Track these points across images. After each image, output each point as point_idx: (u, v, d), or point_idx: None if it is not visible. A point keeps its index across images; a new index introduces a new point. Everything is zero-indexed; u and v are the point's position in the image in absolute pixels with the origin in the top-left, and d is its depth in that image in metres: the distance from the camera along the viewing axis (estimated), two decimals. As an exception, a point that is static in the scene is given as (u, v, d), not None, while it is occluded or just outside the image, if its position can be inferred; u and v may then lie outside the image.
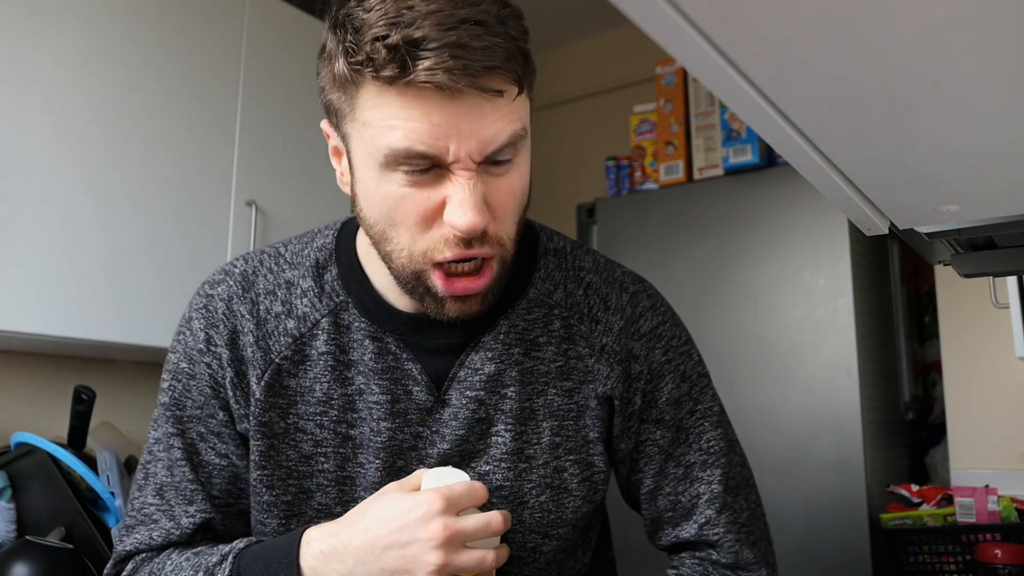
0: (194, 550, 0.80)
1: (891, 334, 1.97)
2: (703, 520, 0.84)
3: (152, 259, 1.72)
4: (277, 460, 0.81)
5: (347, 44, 0.66)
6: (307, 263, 0.84)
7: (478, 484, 0.72)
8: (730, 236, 1.94)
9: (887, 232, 0.69)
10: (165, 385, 0.84)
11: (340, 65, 0.67)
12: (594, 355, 0.83)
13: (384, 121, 0.66)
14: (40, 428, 1.72)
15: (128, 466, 1.58)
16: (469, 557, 0.69)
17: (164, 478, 0.82)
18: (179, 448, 0.82)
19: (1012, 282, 1.57)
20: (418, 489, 0.72)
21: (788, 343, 1.82)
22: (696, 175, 2.05)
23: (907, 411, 1.98)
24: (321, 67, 0.73)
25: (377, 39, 0.63)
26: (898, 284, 2.00)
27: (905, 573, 1.62)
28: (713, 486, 0.84)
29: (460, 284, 0.72)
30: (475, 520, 0.69)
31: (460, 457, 0.80)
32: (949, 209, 0.64)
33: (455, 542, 0.68)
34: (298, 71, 2.10)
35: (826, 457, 1.73)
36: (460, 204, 0.66)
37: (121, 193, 1.71)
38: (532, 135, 0.75)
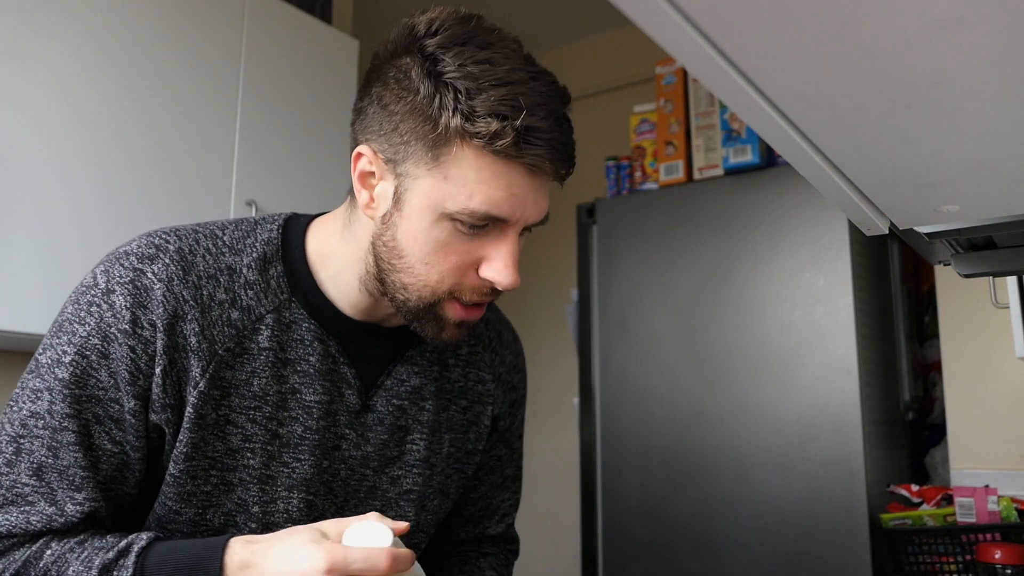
0: (76, 539, 0.75)
1: (891, 334, 1.97)
2: (510, 521, 1.05)
3: (152, 259, 1.72)
4: (203, 451, 0.79)
5: (462, 107, 0.71)
6: (253, 254, 0.83)
7: (381, 551, 0.68)
8: (730, 236, 1.94)
9: (887, 232, 0.69)
10: (67, 359, 0.75)
11: (448, 121, 0.71)
12: (494, 380, 0.97)
13: (471, 183, 0.73)
14: (40, 428, 1.72)
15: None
16: None
17: (44, 458, 0.75)
18: (72, 431, 0.75)
19: (1012, 282, 1.57)
20: (335, 539, 0.71)
21: (788, 343, 1.82)
22: (696, 175, 2.05)
23: (907, 411, 1.98)
24: (400, 102, 0.74)
25: (501, 117, 0.70)
26: (898, 284, 2.00)
27: (905, 573, 1.62)
28: (517, 494, 1.05)
29: (473, 313, 0.80)
30: None
31: (379, 461, 0.87)
32: (949, 209, 0.64)
33: None
34: (298, 71, 2.10)
35: (826, 457, 1.73)
36: (506, 265, 0.76)
37: (121, 193, 1.71)
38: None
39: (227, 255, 0.82)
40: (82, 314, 0.77)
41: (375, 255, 0.80)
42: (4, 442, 0.76)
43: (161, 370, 0.77)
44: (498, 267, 0.76)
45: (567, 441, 2.85)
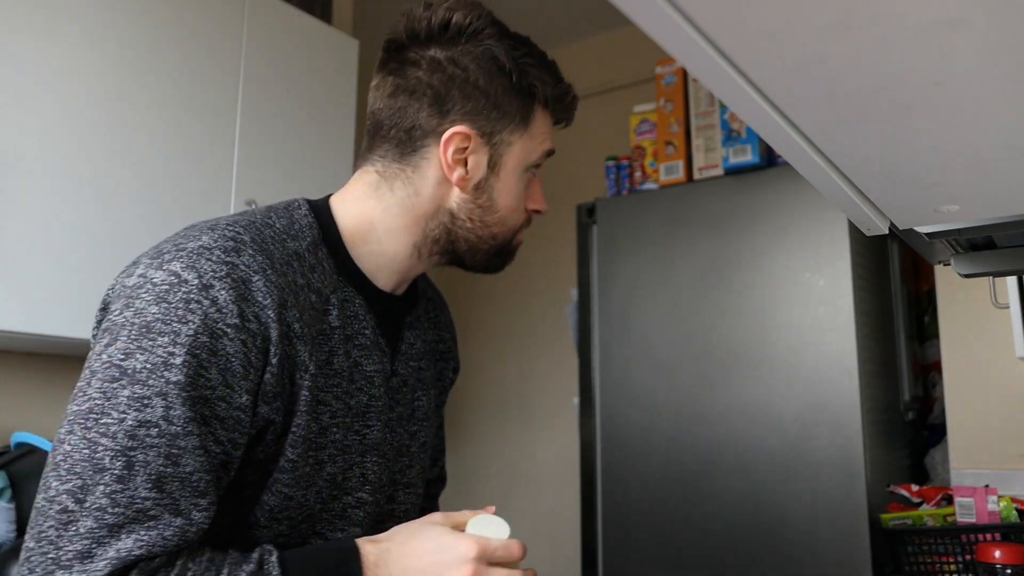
0: (206, 557, 0.73)
1: (891, 334, 1.97)
2: (443, 463, 1.17)
3: (152, 259, 1.72)
4: (307, 433, 0.81)
5: (545, 80, 0.91)
6: (307, 238, 0.85)
7: (515, 543, 0.81)
8: (730, 236, 1.94)
9: (887, 232, 0.69)
10: (177, 360, 0.71)
11: (539, 93, 0.91)
12: (452, 339, 1.10)
13: (542, 135, 0.94)
14: (40, 428, 1.72)
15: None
16: None
17: (163, 468, 0.70)
18: (196, 435, 0.72)
19: (1012, 282, 1.57)
20: (461, 529, 0.82)
21: (788, 343, 1.82)
22: (696, 175, 2.05)
23: (907, 411, 1.98)
24: (494, 83, 0.89)
25: (568, 89, 0.94)
26: (898, 284, 2.00)
27: (905, 573, 1.62)
28: (444, 443, 1.17)
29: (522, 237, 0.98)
30: (502, 573, 0.79)
31: (405, 420, 0.95)
32: (949, 209, 0.64)
33: None
34: (298, 71, 2.10)
35: (826, 457, 1.73)
36: (541, 195, 0.98)
37: (121, 192, 1.71)
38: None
39: (288, 242, 0.83)
40: (180, 312, 0.72)
41: (466, 217, 0.91)
42: (108, 458, 0.69)
43: (277, 360, 0.77)
44: (539, 197, 0.97)
45: (567, 441, 2.85)
